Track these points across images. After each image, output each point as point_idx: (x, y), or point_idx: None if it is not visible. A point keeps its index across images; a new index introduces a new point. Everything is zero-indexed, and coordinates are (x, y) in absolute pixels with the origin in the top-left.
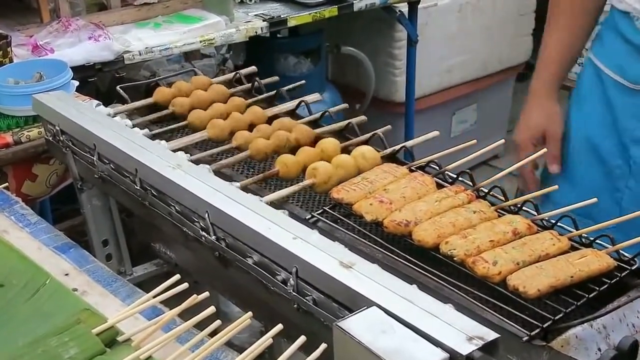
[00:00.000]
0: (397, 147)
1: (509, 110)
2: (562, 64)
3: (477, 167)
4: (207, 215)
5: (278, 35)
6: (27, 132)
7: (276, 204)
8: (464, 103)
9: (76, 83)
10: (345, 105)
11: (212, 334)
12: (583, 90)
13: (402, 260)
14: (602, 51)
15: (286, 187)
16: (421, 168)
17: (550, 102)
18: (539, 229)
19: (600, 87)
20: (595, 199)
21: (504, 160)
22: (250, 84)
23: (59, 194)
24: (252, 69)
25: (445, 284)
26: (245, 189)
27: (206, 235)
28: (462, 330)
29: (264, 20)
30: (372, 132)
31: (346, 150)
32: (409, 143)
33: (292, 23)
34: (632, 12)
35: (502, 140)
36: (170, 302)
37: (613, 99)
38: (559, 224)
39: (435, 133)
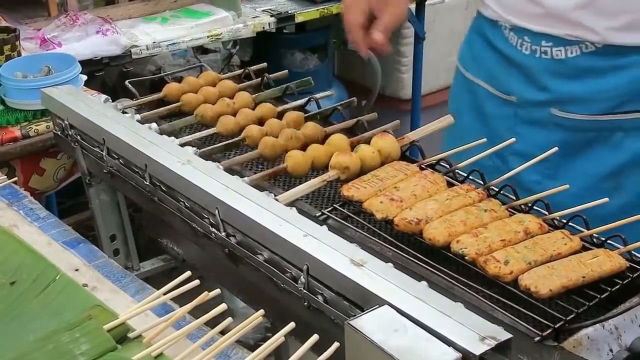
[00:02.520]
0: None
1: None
2: None
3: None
4: (217, 211)
5: (285, 31)
6: (35, 126)
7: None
8: None
9: (84, 77)
10: (354, 99)
11: (222, 331)
12: (455, 104)
13: (412, 259)
14: (472, 61)
15: (297, 183)
16: (431, 166)
17: None
18: (550, 228)
19: (473, 100)
20: (606, 199)
21: None
22: (258, 80)
23: (63, 188)
24: (262, 65)
25: (456, 283)
26: (254, 185)
27: (216, 231)
28: (475, 329)
29: (271, 16)
30: (382, 129)
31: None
32: (412, 134)
33: (299, 19)
34: (500, 20)
35: (513, 139)
36: (179, 298)
37: (488, 111)
38: (570, 223)
39: (450, 119)
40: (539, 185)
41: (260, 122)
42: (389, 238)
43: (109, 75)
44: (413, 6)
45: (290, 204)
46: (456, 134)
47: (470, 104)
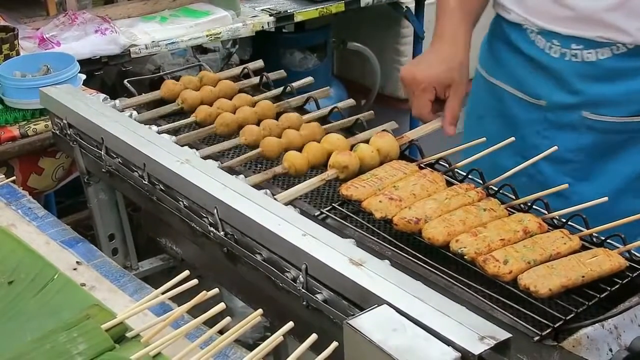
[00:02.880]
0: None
1: None
2: (465, 19)
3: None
4: (216, 210)
5: (284, 30)
6: (34, 125)
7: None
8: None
9: (83, 76)
10: (352, 100)
11: (221, 330)
12: (479, 109)
13: (411, 258)
14: (495, 65)
15: (296, 183)
16: (430, 165)
17: (463, 54)
18: (550, 227)
19: (498, 104)
20: (606, 198)
21: None
22: (257, 79)
23: (62, 187)
24: (260, 63)
25: (456, 283)
26: (253, 184)
27: (215, 230)
28: (474, 329)
29: (270, 15)
30: (382, 128)
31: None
32: (411, 133)
33: (298, 18)
34: (525, 24)
35: (512, 139)
36: (178, 298)
37: (515, 115)
38: (569, 222)
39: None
40: (571, 187)
41: (259, 121)
42: (388, 237)
43: (108, 75)
44: (412, 5)
45: (289, 203)
46: (480, 137)
47: (495, 108)
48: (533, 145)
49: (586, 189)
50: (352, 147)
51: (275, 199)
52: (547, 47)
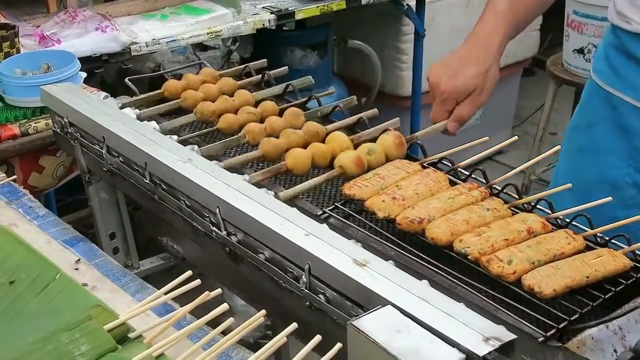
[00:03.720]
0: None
1: (514, 106)
2: (511, 24)
3: (482, 163)
4: (218, 210)
5: (284, 28)
6: (35, 123)
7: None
8: None
9: (84, 74)
10: (354, 98)
11: (223, 330)
12: (590, 117)
13: (415, 258)
14: (613, 76)
15: (298, 182)
16: (433, 164)
17: (493, 61)
18: (554, 227)
19: (612, 113)
20: (609, 198)
21: (509, 155)
22: (259, 77)
23: (62, 185)
24: (263, 62)
25: (459, 283)
26: (255, 183)
27: (217, 230)
28: (479, 330)
29: (271, 13)
30: (384, 127)
31: (357, 145)
32: (419, 133)
33: (299, 16)
34: None
35: (515, 138)
36: (179, 297)
37: (630, 126)
38: (573, 222)
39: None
40: None
41: (261, 119)
42: (391, 237)
43: (108, 73)
44: (413, 3)
45: (292, 203)
46: (588, 146)
47: (608, 117)
48: None
49: None
50: (354, 145)
51: (277, 197)
52: None
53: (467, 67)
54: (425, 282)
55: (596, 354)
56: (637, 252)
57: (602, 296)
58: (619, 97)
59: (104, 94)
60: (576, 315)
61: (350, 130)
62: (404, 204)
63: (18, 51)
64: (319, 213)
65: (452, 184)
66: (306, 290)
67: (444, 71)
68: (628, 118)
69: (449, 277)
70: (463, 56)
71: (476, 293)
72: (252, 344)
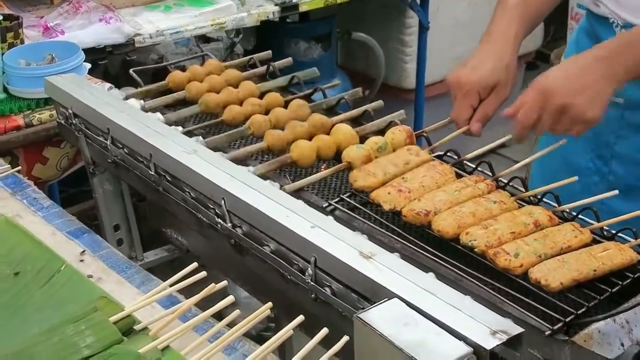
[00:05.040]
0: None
1: (517, 98)
2: (523, 18)
3: (485, 156)
4: (223, 202)
5: (288, 20)
6: (39, 114)
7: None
8: None
9: (88, 65)
10: (359, 89)
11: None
12: None
13: (421, 251)
14: None
15: (304, 174)
16: (439, 157)
17: (511, 55)
18: (560, 220)
19: None
20: (616, 191)
21: (512, 149)
22: (263, 69)
23: (65, 177)
24: (267, 54)
25: (466, 276)
26: (260, 175)
27: (222, 222)
28: (486, 323)
29: (275, 5)
30: (389, 119)
31: (363, 137)
32: (428, 129)
33: (303, 8)
34: (611, 17)
35: (510, 136)
36: (184, 289)
37: None
38: (580, 216)
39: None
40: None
41: (266, 111)
42: (397, 229)
43: (112, 64)
44: None
45: (297, 195)
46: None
47: None
48: (607, 143)
49: None
50: (360, 137)
51: (283, 189)
52: None
53: (486, 62)
54: (431, 274)
55: (603, 348)
56: None
57: (609, 290)
58: None
59: (108, 85)
60: (583, 309)
61: (355, 122)
62: (410, 196)
63: (22, 42)
64: (324, 205)
65: (458, 176)
66: (312, 283)
67: (462, 68)
68: None
69: (455, 269)
70: (480, 54)
71: (482, 286)
72: (254, 335)
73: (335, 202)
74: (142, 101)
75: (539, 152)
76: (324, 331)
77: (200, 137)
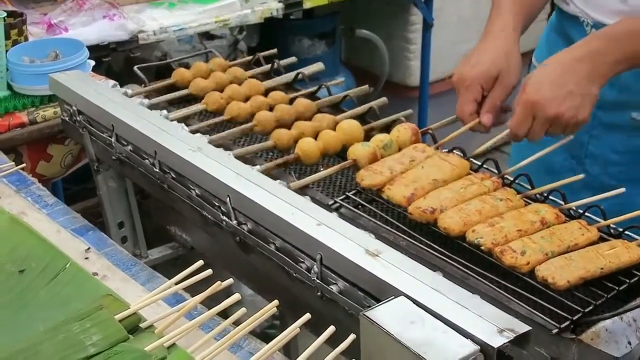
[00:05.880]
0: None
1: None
2: (519, 12)
3: (489, 153)
4: (228, 199)
5: (292, 17)
6: (43, 111)
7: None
8: None
9: (92, 62)
10: (366, 87)
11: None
12: None
13: (427, 249)
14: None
15: (309, 171)
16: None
17: (511, 44)
18: (567, 218)
19: None
20: (622, 189)
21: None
22: (268, 66)
23: (69, 174)
24: (272, 51)
25: (472, 274)
26: (266, 173)
27: (227, 219)
28: (493, 322)
29: (279, 2)
30: (395, 117)
31: (368, 135)
32: (434, 126)
33: (307, 5)
34: (582, 16)
35: (507, 131)
36: (190, 287)
37: None
38: (586, 213)
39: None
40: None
41: (271, 108)
42: (403, 227)
43: (115, 61)
44: None
45: (302, 192)
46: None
47: None
48: (580, 143)
49: (634, 192)
50: (365, 134)
51: (288, 187)
52: None
53: (485, 55)
54: (438, 272)
55: (610, 346)
56: None
57: (617, 288)
58: None
59: (112, 82)
60: (590, 307)
61: (360, 119)
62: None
63: (26, 39)
64: (330, 203)
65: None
66: (318, 281)
67: (464, 64)
68: None
69: (461, 267)
70: (479, 50)
71: (488, 284)
72: (258, 333)
73: (341, 200)
74: (146, 98)
75: (545, 150)
76: (331, 329)
77: (205, 134)
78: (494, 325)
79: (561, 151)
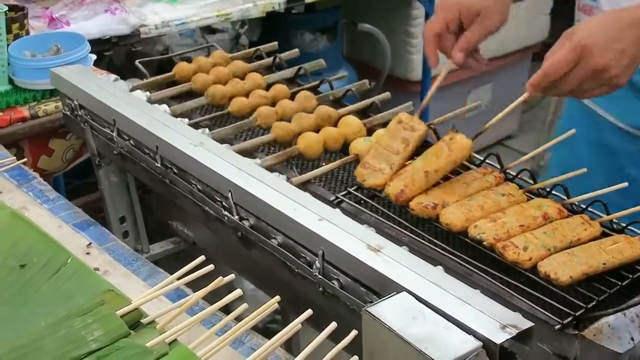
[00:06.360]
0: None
1: (523, 90)
2: None
3: (491, 148)
4: (230, 194)
5: (294, 11)
6: (44, 106)
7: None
8: (479, 82)
9: (94, 57)
10: (366, 81)
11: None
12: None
13: (429, 244)
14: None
15: (311, 166)
16: None
17: None
18: (569, 213)
19: (593, 131)
20: (626, 184)
21: (518, 140)
22: (269, 60)
23: (70, 169)
24: (274, 45)
25: (474, 269)
26: (267, 167)
27: (229, 215)
28: (495, 317)
29: None
30: (396, 110)
31: (369, 129)
32: (437, 120)
33: None
34: None
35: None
36: (191, 282)
37: (613, 145)
38: (589, 208)
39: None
40: None
41: (273, 103)
42: (405, 223)
43: (117, 55)
44: None
45: (304, 187)
46: (568, 162)
47: (588, 134)
48: (629, 175)
49: None
50: (367, 129)
51: (290, 182)
52: None
53: None
54: (440, 268)
55: (613, 342)
56: None
57: (619, 283)
58: (601, 114)
59: (114, 76)
60: (593, 303)
61: (362, 114)
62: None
63: (27, 33)
64: (331, 198)
65: (466, 169)
66: (320, 276)
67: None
68: (609, 136)
69: (463, 263)
70: None
71: (491, 279)
72: (260, 328)
73: (343, 195)
74: (148, 93)
75: (548, 143)
76: (333, 325)
77: (207, 129)
78: (497, 321)
79: (607, 185)
